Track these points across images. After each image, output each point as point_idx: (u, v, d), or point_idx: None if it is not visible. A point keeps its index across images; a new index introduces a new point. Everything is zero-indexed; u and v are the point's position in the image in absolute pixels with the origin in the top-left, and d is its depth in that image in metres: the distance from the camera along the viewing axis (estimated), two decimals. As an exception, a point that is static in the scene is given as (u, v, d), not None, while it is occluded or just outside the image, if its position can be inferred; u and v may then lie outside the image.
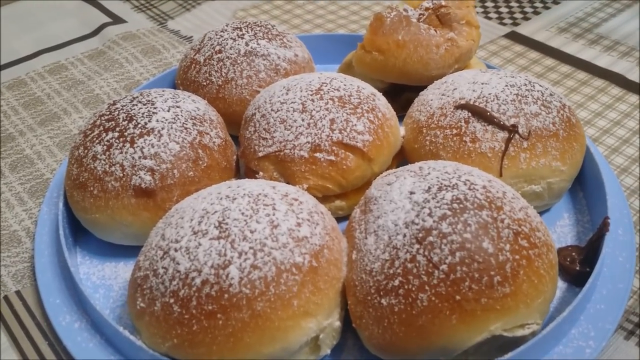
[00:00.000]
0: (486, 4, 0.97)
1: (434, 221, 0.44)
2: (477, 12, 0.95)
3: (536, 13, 0.94)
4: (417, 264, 0.43)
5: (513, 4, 0.96)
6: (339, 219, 0.56)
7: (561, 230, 0.58)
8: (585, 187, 0.61)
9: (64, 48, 0.91)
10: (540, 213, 0.59)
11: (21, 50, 0.91)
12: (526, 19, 0.93)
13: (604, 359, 0.48)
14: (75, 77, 0.84)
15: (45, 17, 0.99)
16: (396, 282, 0.43)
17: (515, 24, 0.91)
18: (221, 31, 0.69)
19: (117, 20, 0.97)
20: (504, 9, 0.95)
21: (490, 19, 0.93)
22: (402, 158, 0.61)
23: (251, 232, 0.44)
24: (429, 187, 0.46)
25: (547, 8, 0.95)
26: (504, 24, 0.91)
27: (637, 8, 0.94)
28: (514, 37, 0.88)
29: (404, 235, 0.44)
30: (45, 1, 1.03)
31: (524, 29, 0.90)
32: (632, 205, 0.62)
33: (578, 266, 0.53)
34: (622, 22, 0.91)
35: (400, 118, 0.64)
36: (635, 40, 0.87)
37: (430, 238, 0.43)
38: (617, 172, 0.65)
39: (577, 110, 0.73)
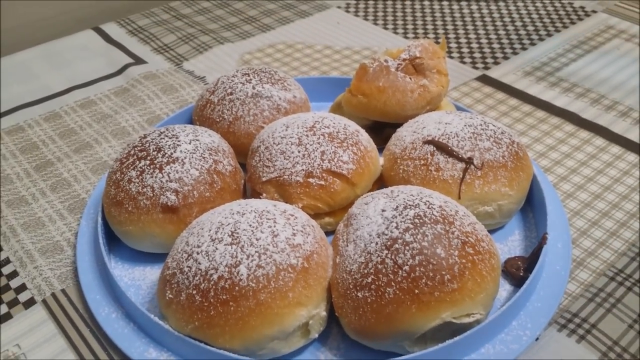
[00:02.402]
0: (462, 50, 1.09)
1: (399, 232, 0.54)
2: (454, 57, 1.07)
3: (505, 58, 1.06)
4: (386, 265, 0.53)
5: (485, 49, 1.09)
6: (328, 233, 0.68)
7: (512, 244, 0.69)
8: (533, 208, 0.73)
9: (93, 85, 1.00)
10: (495, 230, 0.70)
11: (54, 86, 1.01)
12: (496, 63, 1.04)
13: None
14: (104, 111, 0.94)
15: (75, 57, 1.08)
16: (369, 279, 0.53)
17: (487, 68, 1.03)
18: (232, 76, 0.80)
19: (138, 61, 1.07)
20: (477, 54, 1.07)
21: (464, 63, 1.05)
22: (381, 183, 0.72)
23: (257, 239, 0.55)
24: (397, 206, 0.57)
25: (516, 53, 1.07)
26: (477, 68, 1.03)
27: (594, 55, 1.06)
28: (484, 79, 1.00)
29: (376, 243, 0.55)
30: (74, 42, 1.13)
31: (494, 73, 1.01)
32: (574, 224, 0.73)
33: (522, 272, 0.64)
34: (581, 67, 1.02)
35: (381, 150, 0.75)
36: (591, 82, 0.98)
37: (397, 245, 0.54)
38: (564, 196, 0.76)
39: (533, 144, 0.85)
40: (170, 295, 0.55)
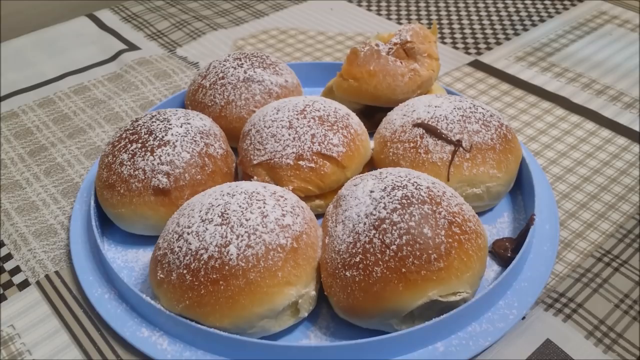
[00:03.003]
0: (455, 36, 1.09)
1: (387, 212, 0.55)
2: (447, 43, 1.07)
3: (498, 43, 1.06)
4: (374, 245, 0.54)
5: (478, 35, 1.09)
6: (320, 215, 0.69)
7: (500, 225, 0.70)
8: (522, 191, 0.73)
9: (87, 71, 1.01)
10: (484, 212, 0.71)
11: (48, 73, 1.01)
12: (489, 48, 1.05)
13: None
14: (97, 97, 0.95)
15: (69, 44, 1.09)
16: (357, 259, 0.54)
17: (479, 53, 1.03)
18: (224, 61, 0.80)
19: (132, 47, 1.08)
20: (470, 40, 1.08)
21: (457, 48, 1.05)
22: (372, 166, 0.73)
23: (246, 220, 0.55)
24: (385, 187, 0.58)
25: (508, 39, 1.08)
26: (469, 53, 1.04)
27: (586, 40, 1.07)
28: (477, 65, 1.00)
29: (364, 224, 0.56)
30: (68, 29, 1.13)
31: (486, 58, 1.02)
32: (563, 206, 0.73)
33: (509, 253, 0.65)
34: (573, 52, 1.03)
35: (373, 134, 0.76)
36: (582, 67, 0.99)
37: (384, 225, 0.54)
38: (553, 179, 0.77)
39: (524, 128, 0.86)
40: (162, 275, 0.56)
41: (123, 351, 0.58)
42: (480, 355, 0.56)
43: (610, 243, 0.68)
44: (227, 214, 0.56)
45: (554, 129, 0.86)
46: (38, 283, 0.66)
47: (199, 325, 0.55)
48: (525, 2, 1.20)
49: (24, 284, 0.66)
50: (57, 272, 0.67)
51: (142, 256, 0.67)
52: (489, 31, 1.10)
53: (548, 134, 0.85)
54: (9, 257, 0.69)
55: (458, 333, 0.57)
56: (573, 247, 0.68)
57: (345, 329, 0.59)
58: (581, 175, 0.78)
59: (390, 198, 0.56)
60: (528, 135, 0.85)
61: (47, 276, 0.66)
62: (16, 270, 0.67)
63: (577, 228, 0.70)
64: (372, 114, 0.80)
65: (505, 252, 0.65)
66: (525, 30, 1.10)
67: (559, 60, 1.01)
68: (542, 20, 1.13)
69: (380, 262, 0.54)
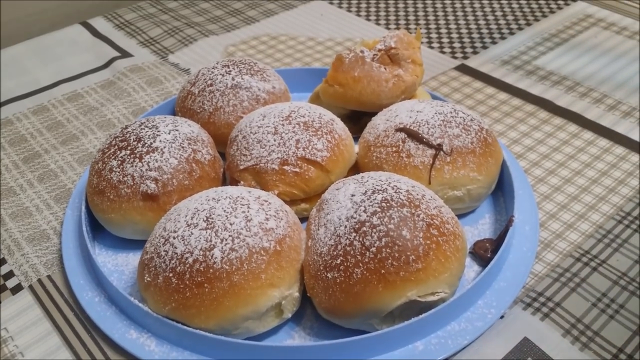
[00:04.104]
0: (442, 40, 1.11)
1: (367, 216, 0.57)
2: (434, 47, 1.09)
3: (484, 47, 1.08)
4: (354, 247, 0.55)
5: (465, 39, 1.11)
6: (305, 219, 0.70)
7: (482, 227, 0.71)
8: (504, 193, 0.75)
9: (80, 78, 1.02)
10: (466, 214, 0.72)
11: (42, 80, 1.03)
12: (475, 53, 1.06)
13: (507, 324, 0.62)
14: (90, 104, 0.96)
15: (63, 52, 1.11)
16: (338, 261, 0.56)
17: (465, 58, 1.05)
18: (212, 68, 0.82)
19: (125, 54, 1.09)
20: (456, 44, 1.09)
21: (444, 53, 1.07)
22: (356, 170, 0.74)
23: (230, 224, 0.57)
24: (366, 191, 0.60)
25: (495, 43, 1.09)
26: (456, 58, 1.05)
27: (570, 44, 1.08)
28: (463, 69, 1.02)
29: (345, 227, 0.57)
30: (63, 37, 1.15)
31: (472, 62, 1.03)
32: (544, 208, 0.75)
33: (489, 254, 0.67)
34: (558, 55, 1.04)
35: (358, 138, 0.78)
36: (566, 70, 1.00)
37: (364, 228, 0.56)
38: (535, 181, 0.79)
39: (507, 131, 0.87)
40: (149, 279, 0.58)
41: (112, 352, 0.60)
42: (459, 353, 0.58)
43: (590, 243, 0.70)
44: (212, 218, 0.58)
45: (537, 131, 0.87)
46: (31, 287, 0.67)
47: (185, 327, 0.56)
48: (512, 6, 1.21)
49: (17, 288, 0.67)
50: (49, 277, 0.68)
51: (132, 260, 0.69)
52: (475, 36, 1.12)
53: (531, 137, 0.86)
54: (2, 262, 0.71)
55: (437, 332, 0.58)
56: (553, 247, 0.69)
57: (329, 329, 0.60)
58: (563, 177, 0.79)
59: (371, 201, 0.58)
60: (511, 138, 0.86)
61: (39, 280, 0.68)
62: (10, 274, 0.69)
63: (557, 229, 0.72)
64: (358, 119, 0.82)
65: (485, 253, 0.67)
66: (512, 34, 1.12)
67: (543, 63, 1.03)
68: (528, 24, 1.15)
69: (361, 264, 0.55)
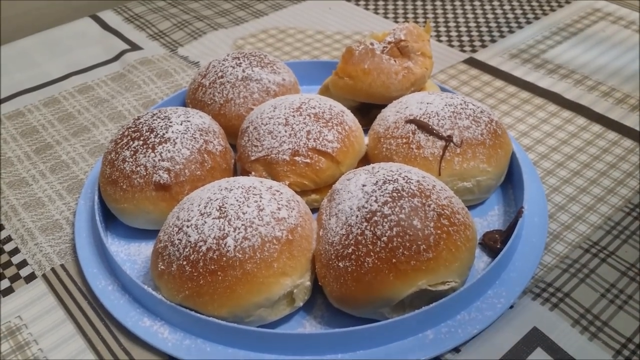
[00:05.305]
0: (450, 34, 1.11)
1: (378, 205, 0.57)
2: (443, 41, 1.09)
3: (493, 41, 1.08)
4: (365, 237, 0.56)
5: (474, 33, 1.11)
6: (315, 209, 0.71)
7: (491, 218, 0.72)
8: (513, 185, 0.75)
9: (90, 71, 1.03)
10: (475, 205, 0.73)
11: (53, 73, 1.04)
12: (484, 46, 1.07)
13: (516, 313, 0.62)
14: (101, 96, 0.97)
15: (73, 45, 1.11)
16: (350, 250, 0.56)
17: (474, 51, 1.05)
18: (223, 60, 0.82)
19: (134, 47, 1.10)
20: (465, 38, 1.10)
21: (452, 46, 1.07)
22: (366, 162, 0.75)
23: (243, 213, 0.58)
24: (377, 181, 0.60)
25: (503, 37, 1.10)
26: (464, 51, 1.05)
27: (579, 37, 1.08)
28: (471, 62, 1.02)
29: (357, 216, 0.58)
30: (72, 30, 1.16)
31: (481, 55, 1.04)
32: (553, 200, 0.75)
33: (498, 245, 0.67)
34: (567, 49, 1.04)
35: (369, 130, 0.78)
36: (575, 64, 1.01)
37: (375, 218, 0.56)
38: (544, 173, 0.79)
39: (516, 124, 0.88)
40: (162, 267, 0.59)
41: (125, 340, 0.60)
42: (469, 342, 0.59)
43: (598, 235, 0.70)
44: (225, 207, 0.58)
45: (546, 124, 0.88)
46: (44, 276, 0.68)
47: (198, 315, 0.57)
48: (521, 0, 1.21)
49: (31, 277, 0.68)
50: (62, 265, 0.69)
51: (145, 249, 0.70)
52: (484, 29, 1.12)
53: (540, 129, 0.87)
54: (16, 251, 0.71)
55: (447, 321, 0.59)
56: (562, 238, 0.70)
57: (339, 318, 0.61)
58: (571, 169, 0.79)
59: (382, 192, 0.59)
60: (520, 130, 0.86)
61: (52, 269, 0.69)
62: (23, 263, 0.70)
63: (566, 220, 0.72)
64: (367, 111, 0.82)
65: (494, 244, 0.67)
66: (520, 27, 1.12)
67: (552, 57, 1.03)
68: (537, 18, 1.15)
69: (372, 253, 0.56)
